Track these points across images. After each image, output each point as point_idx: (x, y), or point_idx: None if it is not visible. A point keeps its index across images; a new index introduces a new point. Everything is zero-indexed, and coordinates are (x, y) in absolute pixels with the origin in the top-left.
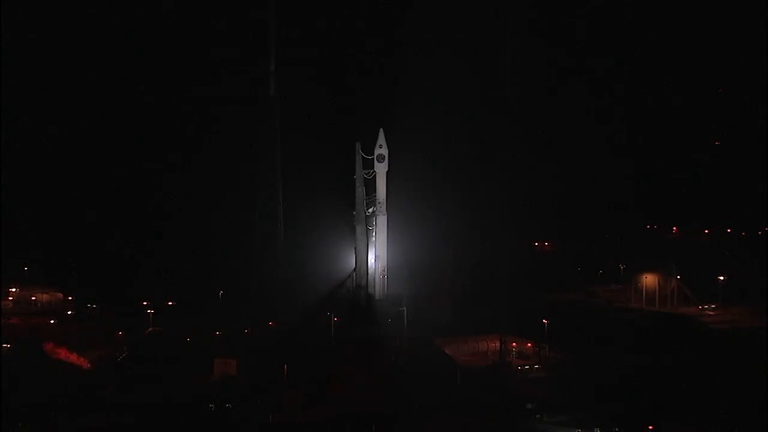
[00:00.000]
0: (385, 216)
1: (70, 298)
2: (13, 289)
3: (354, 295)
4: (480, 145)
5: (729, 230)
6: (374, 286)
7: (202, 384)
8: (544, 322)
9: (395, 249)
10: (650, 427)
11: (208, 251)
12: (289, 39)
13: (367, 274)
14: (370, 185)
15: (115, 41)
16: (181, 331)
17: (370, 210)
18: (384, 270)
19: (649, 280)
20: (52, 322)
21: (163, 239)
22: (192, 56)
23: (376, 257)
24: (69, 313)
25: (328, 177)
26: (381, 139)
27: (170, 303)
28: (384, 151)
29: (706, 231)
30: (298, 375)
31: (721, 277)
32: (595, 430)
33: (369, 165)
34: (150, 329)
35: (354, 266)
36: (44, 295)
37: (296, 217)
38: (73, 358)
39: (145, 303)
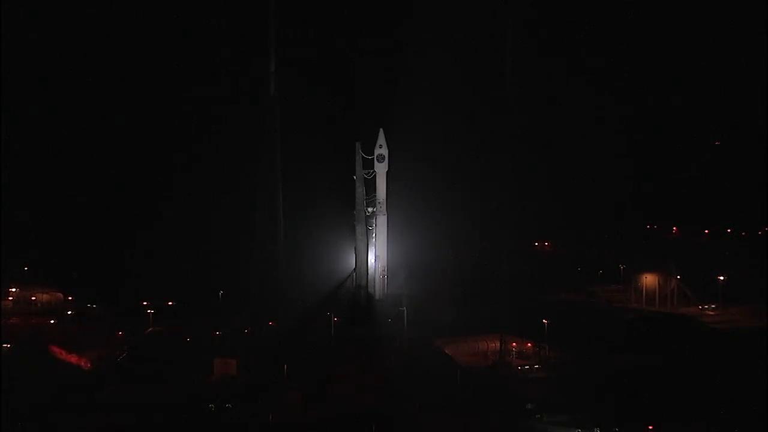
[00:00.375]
0: (385, 216)
1: (70, 298)
2: (13, 289)
3: (354, 295)
4: (480, 145)
5: (729, 230)
6: (374, 286)
7: (202, 384)
8: (544, 322)
9: (395, 249)
10: (650, 427)
11: (208, 251)
12: (289, 39)
13: (367, 274)
14: (370, 185)
15: (116, 41)
16: (181, 331)
17: (370, 210)
18: (384, 270)
19: (649, 280)
20: (52, 322)
21: (163, 239)
22: (192, 56)
23: (376, 257)
24: (69, 313)
25: (328, 177)
26: (381, 139)
27: (170, 303)
28: (384, 151)
29: (706, 231)
30: (298, 375)
31: (721, 277)
32: (595, 430)
33: (369, 165)
34: (150, 329)
35: (354, 266)
36: (44, 295)
37: (296, 217)
38: (70, 356)
39: (145, 303)
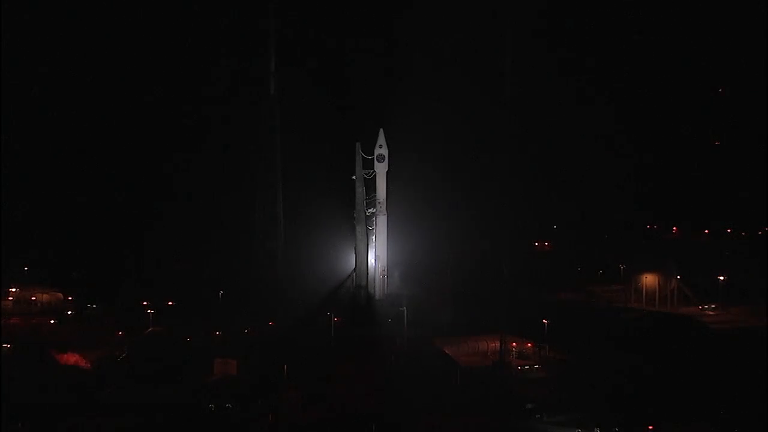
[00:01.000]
0: (385, 216)
1: (70, 298)
2: (13, 289)
3: (354, 295)
4: (480, 144)
5: (729, 230)
6: (374, 286)
7: (202, 384)
8: (544, 322)
9: (395, 249)
10: (650, 427)
11: (208, 251)
12: (289, 39)
13: (367, 274)
14: (370, 185)
15: (116, 41)
16: (181, 331)
17: (370, 210)
18: (384, 270)
19: (649, 280)
20: (52, 322)
21: (163, 239)
22: (192, 56)
23: (376, 257)
24: (69, 313)
25: (328, 177)
26: (381, 139)
27: (170, 303)
28: (384, 151)
29: (706, 231)
30: (298, 375)
31: (721, 277)
32: (595, 430)
33: (369, 165)
34: (150, 329)
35: (354, 266)
36: (44, 295)
37: (296, 217)
38: (80, 359)
39: (145, 303)
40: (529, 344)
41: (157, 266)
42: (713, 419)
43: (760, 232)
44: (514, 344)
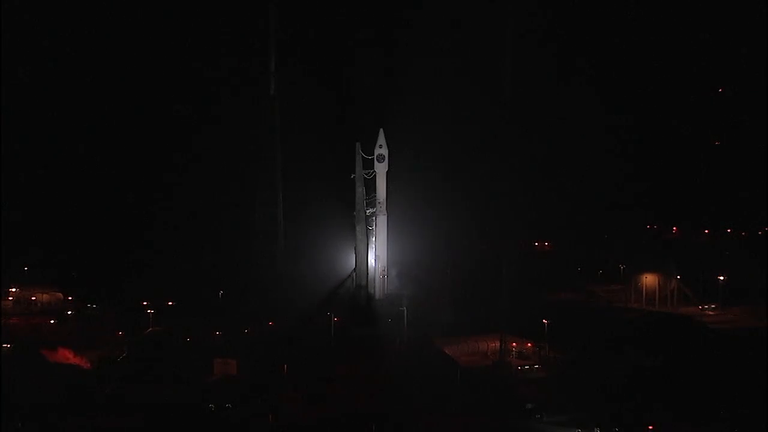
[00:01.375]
0: (385, 216)
1: (70, 298)
2: (13, 289)
3: (354, 295)
4: (480, 145)
5: (729, 230)
6: (374, 286)
7: (202, 384)
8: (544, 322)
9: (395, 249)
10: (650, 427)
11: (208, 251)
12: (289, 39)
13: (367, 274)
14: (370, 185)
15: (116, 41)
16: (181, 331)
17: (370, 210)
18: (384, 270)
19: (649, 280)
20: (52, 322)
21: (163, 239)
22: (192, 57)
23: (376, 257)
24: (69, 313)
25: (328, 177)
26: (381, 139)
27: (170, 303)
28: (384, 151)
29: (706, 231)
30: (298, 375)
31: (721, 277)
32: (595, 430)
33: (369, 165)
34: (150, 329)
35: (354, 266)
36: (44, 295)
37: (296, 217)
38: (71, 355)
39: (145, 303)
40: (529, 344)
41: (157, 266)
42: (713, 419)
43: (760, 232)
44: (514, 344)
